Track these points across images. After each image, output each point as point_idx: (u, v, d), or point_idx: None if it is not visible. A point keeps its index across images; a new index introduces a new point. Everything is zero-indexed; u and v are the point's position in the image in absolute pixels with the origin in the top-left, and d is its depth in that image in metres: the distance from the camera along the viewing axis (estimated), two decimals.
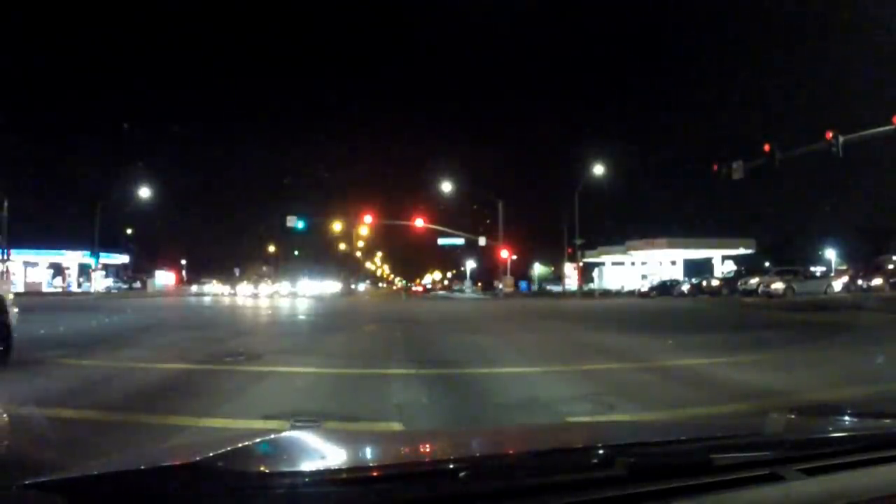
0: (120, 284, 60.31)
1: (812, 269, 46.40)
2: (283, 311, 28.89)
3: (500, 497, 1.30)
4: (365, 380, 8.69)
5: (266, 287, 59.20)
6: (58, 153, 69.84)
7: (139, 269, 67.77)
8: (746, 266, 49.40)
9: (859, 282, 39.50)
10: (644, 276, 56.04)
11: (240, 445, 1.53)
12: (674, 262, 58.15)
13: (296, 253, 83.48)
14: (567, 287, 51.82)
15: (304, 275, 67.72)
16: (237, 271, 67.35)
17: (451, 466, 1.41)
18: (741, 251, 54.51)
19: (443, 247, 52.58)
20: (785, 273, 37.73)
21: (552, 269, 64.76)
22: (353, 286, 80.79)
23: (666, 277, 51.42)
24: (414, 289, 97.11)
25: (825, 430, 2.01)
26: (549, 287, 60.72)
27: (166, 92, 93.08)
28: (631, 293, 49.98)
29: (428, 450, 1.96)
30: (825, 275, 46.31)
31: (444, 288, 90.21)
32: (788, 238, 64.76)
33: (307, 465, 1.45)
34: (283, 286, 62.93)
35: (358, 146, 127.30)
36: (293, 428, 5.01)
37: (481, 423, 6.03)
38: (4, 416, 3.36)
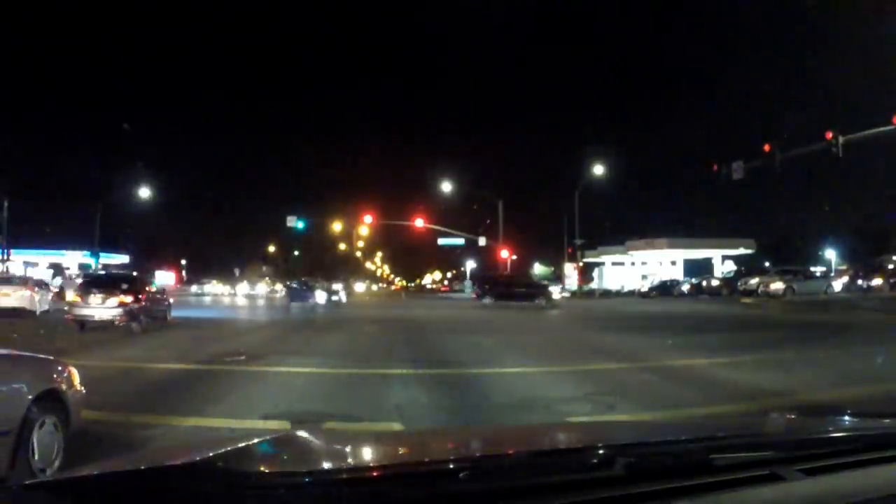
0: None
1: (812, 269, 46.32)
2: (282, 312, 28.88)
3: (500, 497, 1.30)
4: (365, 380, 8.70)
5: (266, 287, 59.18)
6: (58, 153, 69.89)
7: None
8: (746, 266, 49.36)
9: (859, 282, 39.46)
10: (644, 276, 55.97)
11: (240, 445, 1.53)
12: (674, 262, 58.12)
13: (296, 253, 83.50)
14: (567, 287, 51.76)
15: (304, 275, 67.46)
16: (237, 271, 67.30)
17: (451, 466, 1.41)
18: (741, 251, 54.47)
19: (443, 247, 52.41)
20: (785, 273, 37.63)
21: (552, 269, 64.64)
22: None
23: (666, 277, 51.37)
24: (443, 287, 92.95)
25: (825, 430, 2.01)
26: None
27: (167, 92, 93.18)
28: (631, 293, 49.93)
29: (428, 450, 1.95)
30: (825, 275, 46.24)
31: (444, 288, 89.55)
32: (788, 238, 64.76)
33: (307, 465, 1.45)
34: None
35: (358, 146, 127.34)
36: (293, 428, 5.02)
37: (481, 423, 6.03)
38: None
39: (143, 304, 15.74)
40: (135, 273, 19.10)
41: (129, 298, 15.18)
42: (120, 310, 14.98)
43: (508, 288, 32.24)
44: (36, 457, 3.58)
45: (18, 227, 42.23)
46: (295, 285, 38.77)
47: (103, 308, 15.04)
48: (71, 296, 16.36)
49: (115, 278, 17.52)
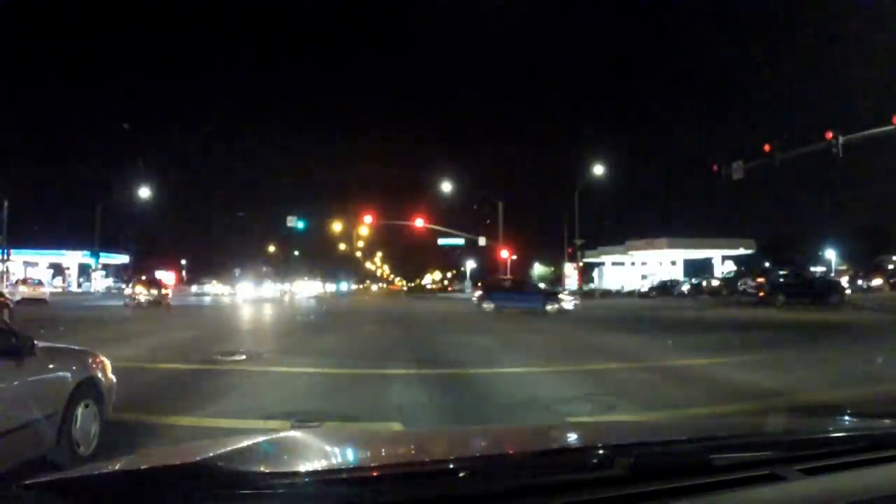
0: (120, 284, 60.19)
1: (812, 269, 46.33)
2: (282, 311, 28.89)
3: (500, 497, 1.30)
4: (365, 380, 8.69)
5: (266, 287, 59.22)
6: (58, 153, 69.87)
7: (139, 269, 67.59)
8: (746, 266, 49.37)
9: (859, 282, 39.49)
10: (644, 276, 56.00)
11: (240, 445, 1.53)
12: (674, 262, 58.13)
13: (296, 253, 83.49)
14: (567, 287, 51.75)
15: (304, 275, 67.71)
16: (237, 271, 67.32)
17: (451, 466, 1.41)
18: (741, 251, 54.50)
19: (443, 247, 52.35)
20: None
21: (552, 269, 64.60)
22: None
23: (666, 277, 51.36)
24: (448, 287, 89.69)
25: (825, 430, 2.01)
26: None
27: (167, 92, 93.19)
28: (631, 293, 49.94)
29: (428, 450, 1.95)
30: (825, 275, 46.25)
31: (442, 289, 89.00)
32: (788, 238, 64.77)
33: (307, 465, 1.45)
34: (294, 286, 63.25)
35: (358, 146, 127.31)
36: (293, 428, 5.02)
37: (481, 423, 6.03)
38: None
39: (171, 292, 31.85)
40: (165, 274, 34.70)
41: (165, 291, 30.55)
42: (161, 296, 29.48)
43: (801, 287, 28.25)
44: (77, 437, 4.03)
45: (18, 227, 42.22)
46: (495, 284, 29.90)
47: (154, 295, 29.16)
48: (133, 287, 30.51)
49: (157, 278, 33.15)
